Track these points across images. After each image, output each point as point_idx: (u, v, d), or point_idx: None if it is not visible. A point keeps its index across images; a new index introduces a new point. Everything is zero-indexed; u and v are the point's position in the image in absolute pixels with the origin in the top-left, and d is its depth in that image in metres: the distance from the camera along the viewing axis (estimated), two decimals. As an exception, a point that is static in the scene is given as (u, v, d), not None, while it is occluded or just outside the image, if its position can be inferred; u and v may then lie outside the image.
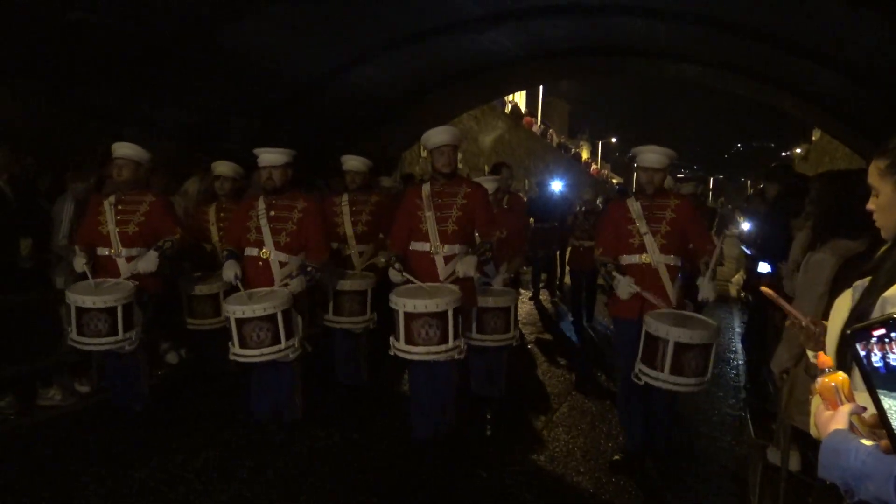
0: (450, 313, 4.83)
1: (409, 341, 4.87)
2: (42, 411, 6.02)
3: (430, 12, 9.21)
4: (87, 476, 4.73)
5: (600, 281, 10.73)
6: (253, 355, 5.17)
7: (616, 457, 5.31)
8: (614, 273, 5.05)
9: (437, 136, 5.22)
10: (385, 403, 6.34)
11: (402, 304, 4.83)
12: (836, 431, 1.60)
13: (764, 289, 2.31)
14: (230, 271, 5.45)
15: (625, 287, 4.94)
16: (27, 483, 4.63)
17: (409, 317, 4.82)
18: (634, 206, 5.14)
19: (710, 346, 4.72)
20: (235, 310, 5.10)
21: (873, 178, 2.01)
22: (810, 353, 2.32)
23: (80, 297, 5.29)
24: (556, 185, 14.63)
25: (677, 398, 5.27)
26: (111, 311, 5.33)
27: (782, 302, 2.26)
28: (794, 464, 4.09)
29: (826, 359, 1.74)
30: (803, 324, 2.24)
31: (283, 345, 5.19)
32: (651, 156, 5.04)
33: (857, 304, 1.94)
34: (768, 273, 6.33)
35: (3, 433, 5.54)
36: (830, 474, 1.61)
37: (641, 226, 5.06)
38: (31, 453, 5.16)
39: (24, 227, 6.06)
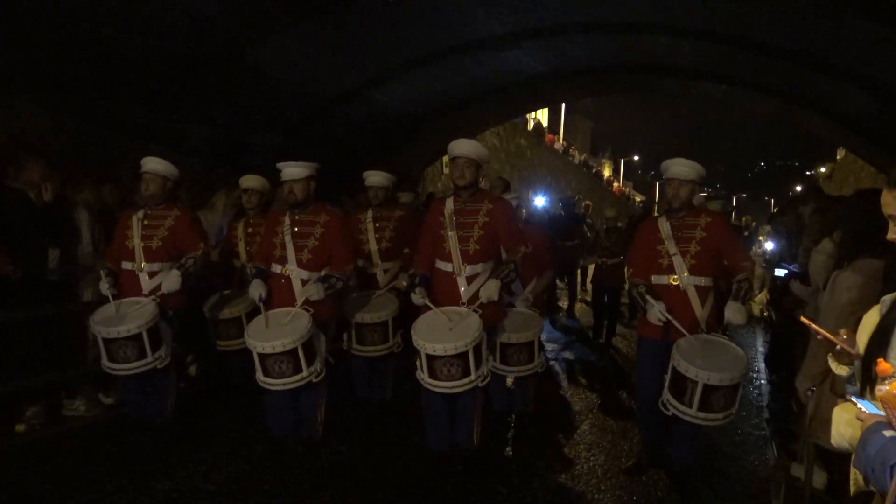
0: (470, 352, 4.79)
1: (432, 377, 4.87)
2: (67, 422, 6.10)
3: (454, 31, 9.26)
4: (112, 486, 4.78)
5: (624, 300, 10.72)
6: (276, 384, 5.15)
7: (629, 463, 5.39)
8: (647, 297, 4.96)
9: (458, 146, 5.13)
10: (407, 419, 6.33)
11: (423, 346, 4.80)
12: (875, 423, 1.62)
13: (803, 318, 2.30)
14: (255, 291, 5.45)
15: (655, 313, 4.86)
16: (52, 492, 4.69)
17: (431, 358, 4.81)
18: (664, 225, 5.09)
19: (739, 384, 4.67)
20: (256, 345, 5.07)
21: (892, 208, 2.00)
22: (833, 366, 2.32)
23: (105, 329, 5.32)
24: (539, 201, 14.02)
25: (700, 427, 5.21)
26: (137, 338, 5.35)
27: (820, 329, 2.24)
28: (820, 482, 4.05)
29: (887, 366, 1.73)
30: (838, 347, 2.24)
31: (304, 373, 5.15)
32: (678, 168, 4.99)
33: (883, 318, 1.95)
34: (786, 275, 6.33)
35: (30, 443, 5.60)
36: (858, 463, 1.65)
37: (670, 246, 4.99)
38: (56, 463, 5.20)
39: (52, 239, 6.14)
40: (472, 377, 4.85)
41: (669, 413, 4.79)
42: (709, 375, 4.53)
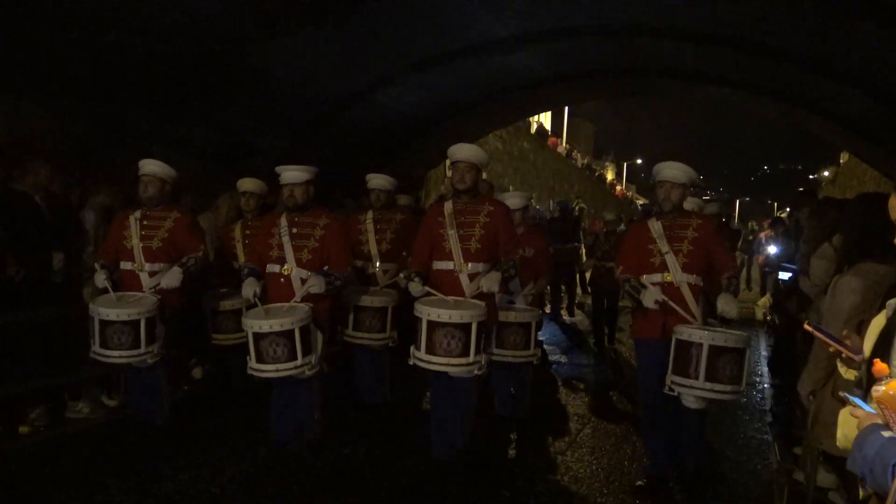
0: (473, 326, 4.80)
1: (429, 350, 4.84)
2: (71, 424, 6.13)
3: (457, 34, 9.26)
4: (115, 488, 4.79)
5: (623, 302, 10.72)
6: (268, 370, 5.13)
7: (639, 482, 5.25)
8: (638, 286, 4.96)
9: (458, 151, 5.21)
10: (409, 421, 6.35)
11: (427, 312, 4.80)
12: (871, 424, 1.61)
13: (807, 325, 2.30)
14: (249, 289, 5.43)
15: (650, 296, 4.85)
16: (56, 494, 4.70)
17: (433, 325, 4.79)
18: (655, 225, 5.09)
19: (744, 350, 4.69)
20: (253, 324, 5.07)
21: None
22: (842, 370, 2.32)
23: (105, 310, 5.32)
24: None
25: (705, 420, 5.20)
26: (134, 324, 5.36)
27: (824, 337, 2.25)
28: (829, 484, 4.07)
29: (883, 366, 1.73)
30: (843, 354, 2.24)
31: (299, 361, 5.12)
32: (669, 171, 5.01)
33: (889, 321, 1.96)
34: (790, 278, 6.36)
35: (33, 444, 5.62)
36: (854, 464, 1.64)
37: (662, 245, 4.99)
38: (59, 465, 5.22)
39: (57, 242, 6.16)
40: (471, 358, 4.84)
41: (675, 394, 4.77)
42: (713, 336, 4.58)
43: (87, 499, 4.65)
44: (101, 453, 5.45)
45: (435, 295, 5.15)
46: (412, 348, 5.01)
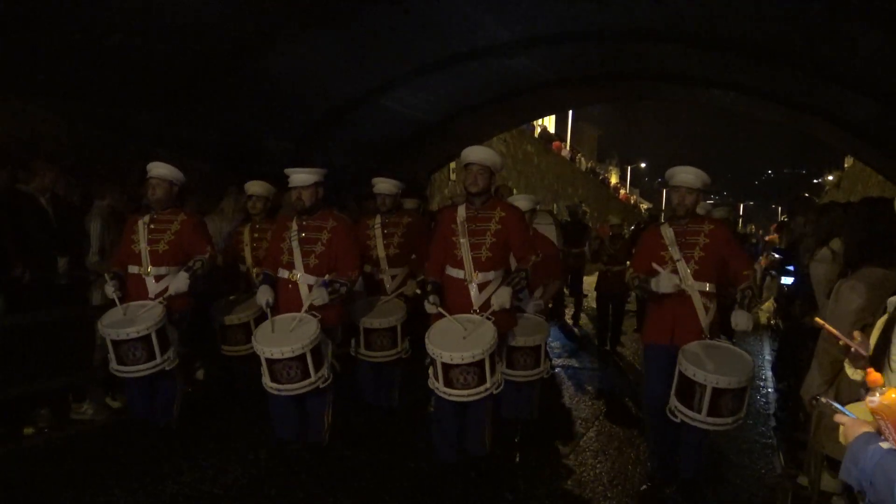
0: (486, 360, 4.77)
1: (447, 385, 4.83)
2: (75, 425, 6.14)
3: (461, 38, 9.28)
4: (119, 490, 4.80)
5: (629, 306, 10.71)
6: (285, 389, 5.14)
7: (644, 486, 5.25)
8: (647, 278, 4.92)
9: (472, 153, 5.12)
10: (412, 423, 6.35)
11: (440, 355, 4.77)
12: (863, 434, 1.59)
13: (818, 319, 2.30)
14: (263, 297, 5.43)
15: (665, 280, 4.79)
16: (60, 495, 4.71)
17: (447, 366, 4.78)
18: (667, 231, 5.05)
19: (746, 387, 4.66)
20: (264, 350, 5.05)
21: None
22: (850, 371, 2.32)
23: (114, 331, 5.32)
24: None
25: (707, 435, 5.16)
26: (146, 339, 5.36)
27: (833, 330, 2.25)
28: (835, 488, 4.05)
29: (877, 376, 1.71)
30: (853, 349, 2.24)
31: (312, 378, 5.14)
32: (684, 175, 4.95)
33: (889, 318, 1.96)
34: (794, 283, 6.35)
35: (38, 446, 5.64)
36: (849, 476, 1.61)
37: (674, 252, 4.95)
38: (64, 466, 5.23)
39: (62, 245, 6.18)
40: (488, 384, 4.83)
41: (678, 420, 4.76)
42: (717, 379, 4.51)
43: (90, 500, 4.66)
44: (104, 455, 5.46)
45: (445, 316, 5.09)
46: (431, 377, 4.97)
